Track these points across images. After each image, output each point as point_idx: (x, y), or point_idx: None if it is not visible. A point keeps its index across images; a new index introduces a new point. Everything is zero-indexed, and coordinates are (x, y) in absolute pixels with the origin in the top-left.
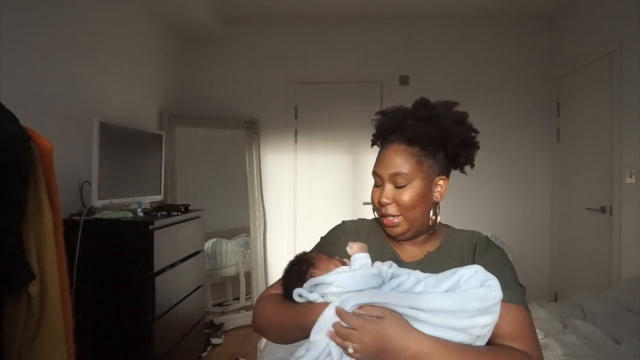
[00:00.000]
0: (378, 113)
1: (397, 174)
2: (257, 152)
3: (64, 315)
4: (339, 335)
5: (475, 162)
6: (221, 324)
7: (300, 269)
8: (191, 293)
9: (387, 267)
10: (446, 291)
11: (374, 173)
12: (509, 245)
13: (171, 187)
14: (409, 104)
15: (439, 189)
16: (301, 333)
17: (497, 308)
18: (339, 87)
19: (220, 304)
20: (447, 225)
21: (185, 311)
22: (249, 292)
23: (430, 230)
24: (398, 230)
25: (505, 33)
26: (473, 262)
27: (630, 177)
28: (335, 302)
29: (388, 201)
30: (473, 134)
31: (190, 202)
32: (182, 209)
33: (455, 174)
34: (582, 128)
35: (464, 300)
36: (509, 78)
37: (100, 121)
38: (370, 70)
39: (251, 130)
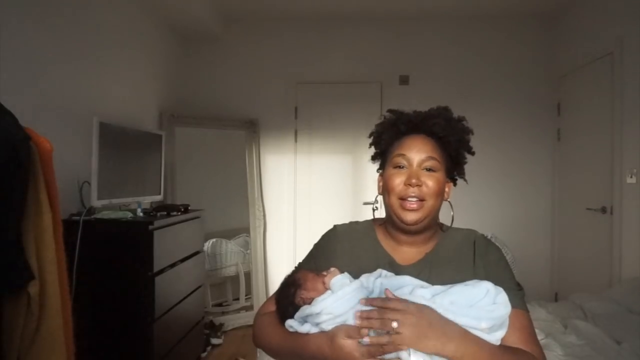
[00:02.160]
0: (389, 111)
1: (430, 158)
2: (257, 152)
3: (64, 315)
4: (379, 317)
5: (476, 162)
6: (221, 324)
7: (289, 292)
8: (191, 293)
9: (375, 278)
10: (452, 303)
11: (400, 155)
12: (510, 245)
13: (171, 187)
14: (409, 104)
15: (447, 189)
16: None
17: (507, 320)
18: (339, 87)
19: (220, 304)
20: (442, 224)
21: (185, 311)
22: (248, 293)
23: (434, 229)
24: (415, 216)
25: (506, 33)
26: (473, 263)
27: (631, 177)
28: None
29: (419, 182)
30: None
31: (190, 202)
32: (182, 209)
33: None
34: (582, 128)
35: (477, 320)
36: (509, 78)
37: (100, 121)
38: (370, 70)
39: (251, 130)
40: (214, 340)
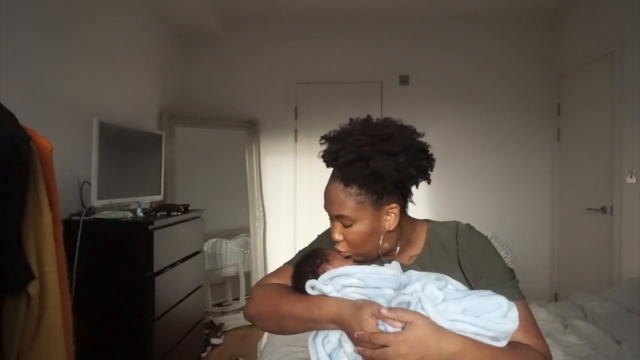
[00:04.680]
0: (322, 138)
1: (340, 216)
2: (257, 152)
3: (64, 315)
4: (374, 356)
5: (476, 162)
6: (221, 324)
7: (314, 262)
8: (191, 293)
9: (400, 273)
10: (465, 311)
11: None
12: (510, 246)
13: (171, 187)
14: (409, 104)
15: (390, 217)
16: (308, 325)
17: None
18: (339, 87)
19: (220, 304)
20: (428, 220)
21: (185, 311)
22: (248, 293)
23: (391, 253)
24: (353, 260)
25: (506, 33)
26: (458, 259)
27: (631, 177)
28: None
29: (339, 238)
30: (424, 153)
31: (190, 202)
32: (182, 209)
33: (454, 172)
34: (582, 128)
35: (484, 330)
36: (509, 78)
37: (100, 121)
38: (370, 70)
39: (251, 130)
40: (214, 340)
